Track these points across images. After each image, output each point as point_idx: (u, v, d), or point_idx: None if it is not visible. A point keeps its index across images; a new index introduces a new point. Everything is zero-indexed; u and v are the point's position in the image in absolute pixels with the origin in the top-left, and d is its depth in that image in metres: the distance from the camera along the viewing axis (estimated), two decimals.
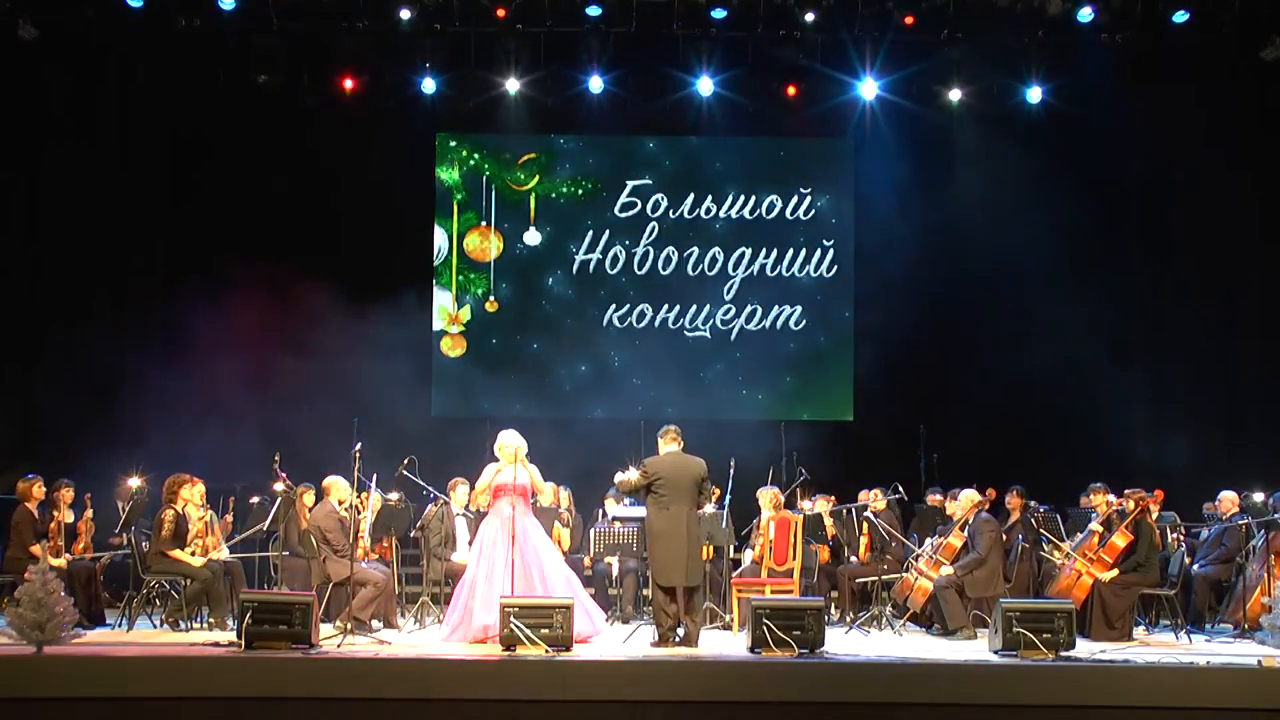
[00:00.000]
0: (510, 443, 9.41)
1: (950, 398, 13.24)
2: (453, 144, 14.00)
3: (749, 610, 8.73)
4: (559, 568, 9.39)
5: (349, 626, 9.09)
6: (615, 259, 13.99)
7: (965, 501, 10.32)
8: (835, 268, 14.00)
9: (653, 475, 9.04)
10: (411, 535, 10.88)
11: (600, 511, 11.36)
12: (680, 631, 8.94)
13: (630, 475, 9.29)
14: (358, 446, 9.44)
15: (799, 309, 13.99)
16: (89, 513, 10.62)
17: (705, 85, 13.33)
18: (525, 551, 9.20)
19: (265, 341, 12.22)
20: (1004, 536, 10.48)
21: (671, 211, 14.02)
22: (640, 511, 9.53)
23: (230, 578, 10.08)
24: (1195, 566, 10.84)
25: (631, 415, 13.46)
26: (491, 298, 13.96)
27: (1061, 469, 12.15)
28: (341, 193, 13.16)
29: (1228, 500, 10.89)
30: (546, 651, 8.28)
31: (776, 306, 13.99)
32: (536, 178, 14.02)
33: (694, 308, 13.96)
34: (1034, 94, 13.23)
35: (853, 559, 11.10)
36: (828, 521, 11.47)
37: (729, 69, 13.32)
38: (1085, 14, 12.57)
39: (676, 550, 8.91)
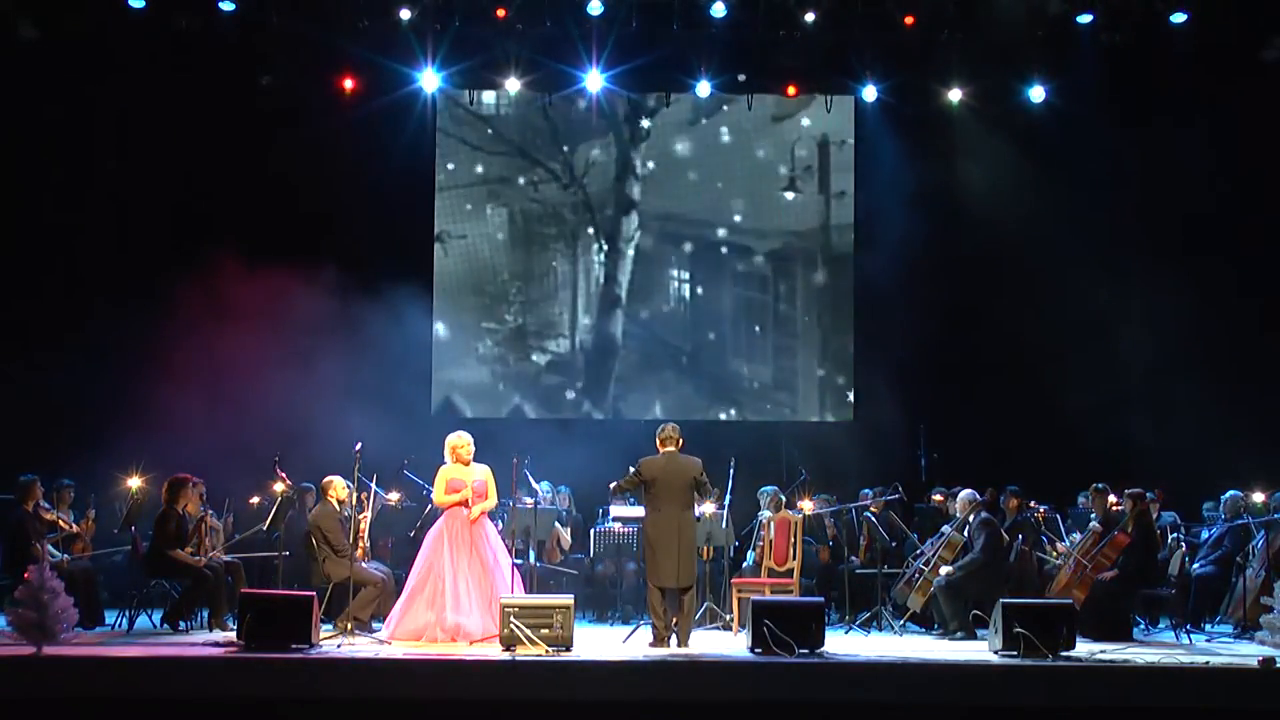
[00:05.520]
0: (460, 442, 9.46)
1: (950, 398, 13.23)
2: (453, 144, 13.98)
3: (749, 610, 8.74)
4: (509, 571, 9.39)
5: (349, 626, 9.09)
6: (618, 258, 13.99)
7: (963, 502, 10.33)
8: (835, 266, 13.99)
9: (646, 476, 9.06)
10: (411, 535, 10.88)
11: (601, 511, 11.37)
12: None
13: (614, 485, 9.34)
14: (358, 446, 9.43)
15: (800, 308, 13.98)
16: (91, 512, 10.64)
17: (704, 86, 13.33)
18: (484, 552, 9.27)
19: (264, 341, 12.20)
20: (1003, 537, 10.49)
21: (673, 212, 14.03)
22: (641, 512, 9.53)
23: (230, 578, 10.08)
24: (1195, 566, 10.85)
25: (632, 415, 13.46)
26: None
27: (1061, 469, 12.14)
28: (341, 192, 13.15)
29: (1232, 502, 10.91)
30: (546, 651, 8.28)
31: (777, 306, 13.98)
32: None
33: (696, 308, 13.94)
34: (1035, 94, 13.23)
35: (853, 559, 11.11)
36: (828, 521, 11.49)
37: (729, 69, 13.32)
38: (1085, 16, 12.60)
39: (669, 551, 8.93)
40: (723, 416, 13.45)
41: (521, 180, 13.93)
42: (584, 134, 13.90)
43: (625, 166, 14.02)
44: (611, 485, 9.44)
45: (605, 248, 13.95)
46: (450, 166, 13.92)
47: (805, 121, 13.96)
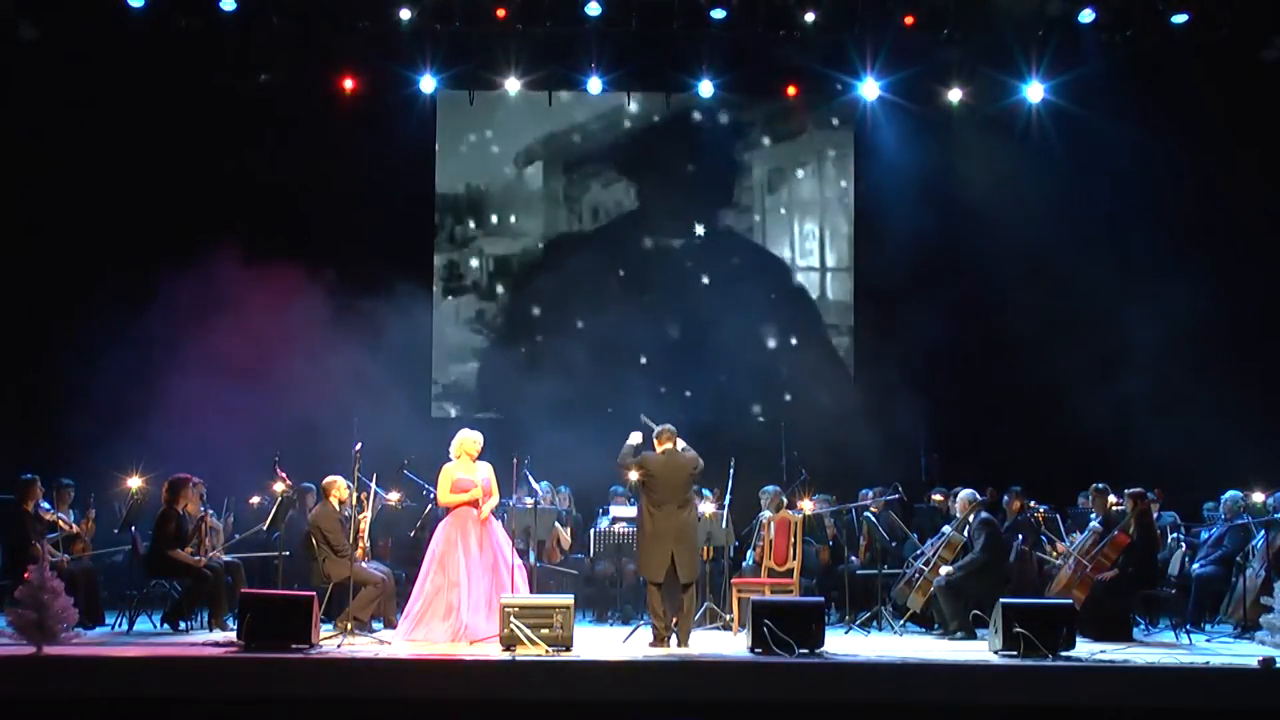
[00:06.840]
0: (474, 439, 9.49)
1: (950, 398, 13.21)
2: (453, 144, 13.98)
3: (749, 610, 8.74)
4: (513, 563, 9.40)
5: (349, 626, 9.09)
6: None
7: (964, 502, 10.32)
8: (836, 267, 13.98)
9: (645, 472, 9.09)
10: (411, 535, 10.88)
11: (601, 511, 11.36)
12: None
13: (637, 440, 9.31)
14: (358, 446, 9.43)
15: (800, 308, 13.96)
16: (91, 512, 10.64)
17: (705, 86, 13.33)
18: (495, 549, 9.28)
19: (264, 341, 12.19)
20: (1003, 537, 10.49)
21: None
22: None
23: (230, 578, 10.08)
24: (1195, 566, 10.85)
25: (632, 416, 13.40)
26: None
27: (1061, 469, 12.14)
28: (341, 192, 13.15)
29: (1232, 502, 10.90)
30: (546, 651, 8.28)
31: (778, 306, 13.96)
32: None
33: (696, 309, 13.92)
34: (1034, 94, 13.22)
35: (853, 559, 11.10)
36: (828, 521, 11.49)
37: (729, 69, 13.32)
38: (1086, 14, 12.60)
39: (661, 547, 8.95)
40: (723, 417, 13.41)
41: None
42: (583, 133, 13.90)
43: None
44: (629, 442, 9.37)
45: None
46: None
47: (805, 120, 13.96)
